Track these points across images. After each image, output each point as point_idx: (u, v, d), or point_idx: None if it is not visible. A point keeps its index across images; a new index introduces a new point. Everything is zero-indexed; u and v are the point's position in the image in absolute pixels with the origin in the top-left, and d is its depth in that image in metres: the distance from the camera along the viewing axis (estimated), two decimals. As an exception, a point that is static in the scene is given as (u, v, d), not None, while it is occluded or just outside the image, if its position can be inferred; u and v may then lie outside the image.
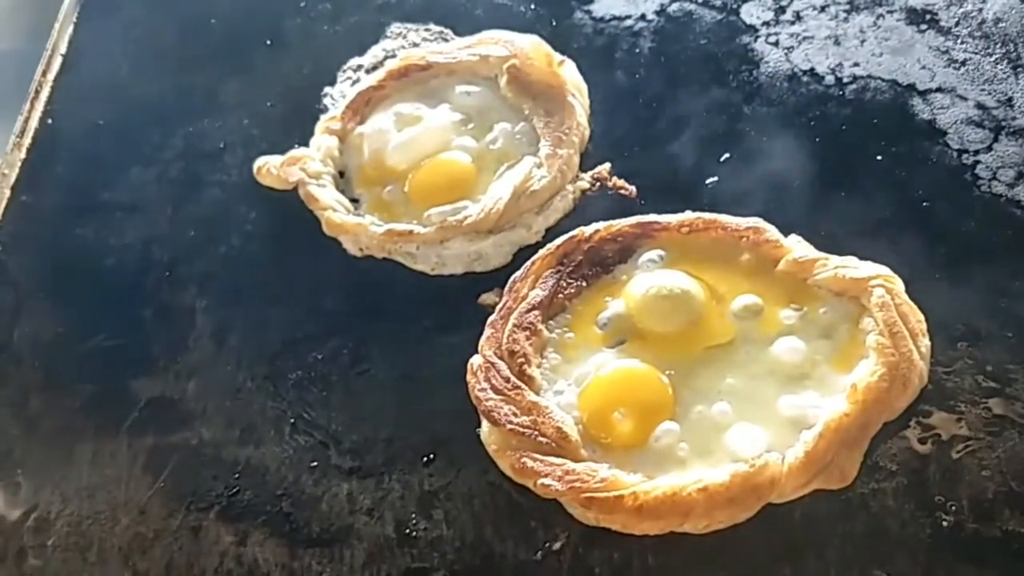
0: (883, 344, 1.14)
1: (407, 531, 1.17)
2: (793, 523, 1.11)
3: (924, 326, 1.18)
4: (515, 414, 1.16)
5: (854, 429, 1.10)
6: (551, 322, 1.26)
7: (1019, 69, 1.46)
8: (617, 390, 1.17)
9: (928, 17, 1.55)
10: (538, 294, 1.26)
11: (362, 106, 1.53)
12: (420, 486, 1.20)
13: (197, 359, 1.34)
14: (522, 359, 1.20)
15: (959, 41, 1.51)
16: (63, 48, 1.73)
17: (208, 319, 1.38)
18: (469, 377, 1.21)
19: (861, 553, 1.09)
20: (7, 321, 1.42)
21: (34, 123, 1.63)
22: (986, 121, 1.41)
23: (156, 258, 1.46)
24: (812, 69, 1.51)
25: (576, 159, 1.43)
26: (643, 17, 1.62)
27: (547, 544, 1.14)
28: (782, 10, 1.59)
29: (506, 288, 1.29)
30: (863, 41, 1.54)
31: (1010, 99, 1.43)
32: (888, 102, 1.46)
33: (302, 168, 1.45)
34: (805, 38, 1.55)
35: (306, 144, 1.51)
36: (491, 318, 1.26)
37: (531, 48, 1.51)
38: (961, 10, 1.55)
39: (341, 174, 1.49)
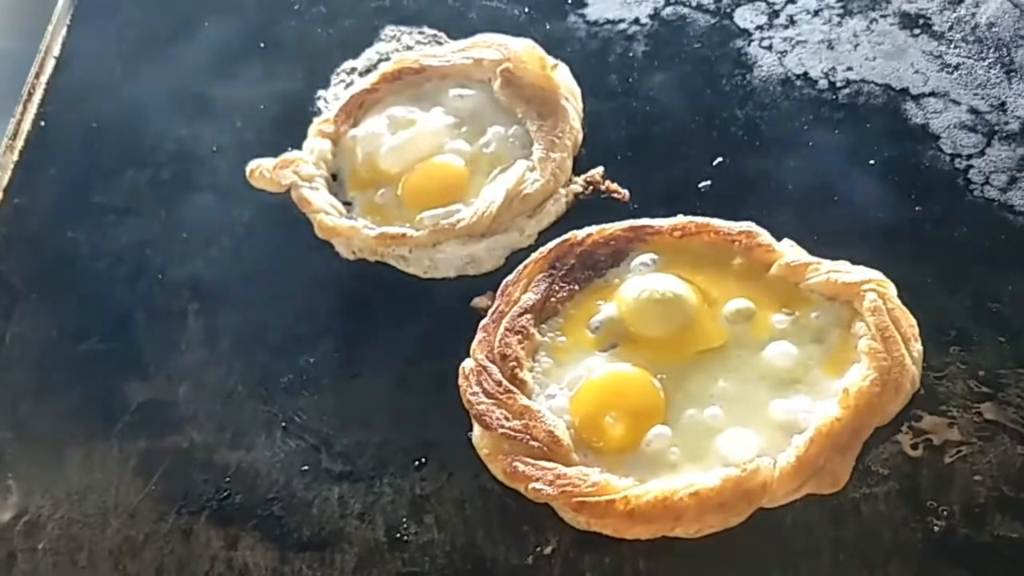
0: (875, 349, 1.14)
1: (398, 535, 1.17)
2: (785, 528, 1.11)
3: (916, 331, 1.18)
4: (507, 418, 1.16)
5: (846, 434, 1.10)
6: (543, 326, 1.25)
7: (1012, 74, 1.46)
8: (609, 394, 1.17)
9: (921, 21, 1.55)
10: (530, 298, 1.26)
11: (355, 109, 1.53)
12: (411, 490, 1.20)
13: (189, 362, 1.34)
14: (514, 363, 1.20)
15: (952, 46, 1.51)
16: (56, 50, 1.72)
17: (200, 322, 1.38)
18: (461, 381, 1.21)
19: (853, 558, 1.09)
20: (-1, 324, 1.42)
21: (27, 125, 1.62)
22: (979, 126, 1.41)
23: (149, 261, 1.45)
24: (806, 73, 1.51)
25: (569, 163, 1.43)
26: (637, 21, 1.62)
27: (538, 548, 1.14)
28: (776, 14, 1.60)
29: (498, 292, 1.29)
30: (856, 45, 1.54)
31: (1003, 104, 1.43)
32: (881, 106, 1.46)
33: (295, 171, 1.45)
34: (799, 42, 1.55)
35: (299, 147, 1.50)
36: (483, 322, 1.26)
37: (524, 52, 1.50)
38: (954, 15, 1.55)
39: (334, 177, 1.49)
